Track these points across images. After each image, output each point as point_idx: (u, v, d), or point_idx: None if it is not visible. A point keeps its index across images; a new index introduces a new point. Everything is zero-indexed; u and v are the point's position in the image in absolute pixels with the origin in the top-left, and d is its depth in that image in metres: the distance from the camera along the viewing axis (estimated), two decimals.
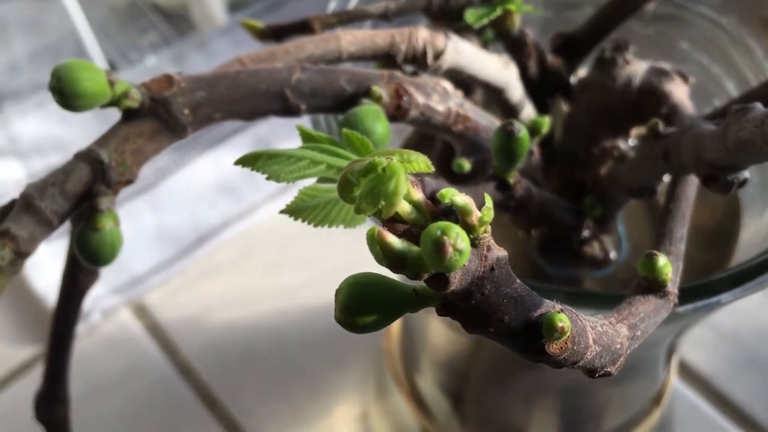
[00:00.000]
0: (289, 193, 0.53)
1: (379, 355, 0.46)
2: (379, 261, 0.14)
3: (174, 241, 0.51)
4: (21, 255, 0.21)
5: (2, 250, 0.21)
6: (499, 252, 0.15)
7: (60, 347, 0.29)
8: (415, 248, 0.14)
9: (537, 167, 0.30)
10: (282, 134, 0.56)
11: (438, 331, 0.33)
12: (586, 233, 0.30)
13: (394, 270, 0.14)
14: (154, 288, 0.50)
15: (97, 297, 0.48)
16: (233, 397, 0.46)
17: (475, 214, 0.14)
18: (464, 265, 0.14)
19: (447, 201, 0.14)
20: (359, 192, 0.14)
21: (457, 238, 0.13)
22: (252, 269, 0.51)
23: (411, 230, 0.14)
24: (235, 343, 0.48)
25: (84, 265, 0.28)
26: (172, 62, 0.59)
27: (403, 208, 0.14)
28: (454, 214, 0.14)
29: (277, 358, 0.48)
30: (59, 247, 0.50)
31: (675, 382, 0.45)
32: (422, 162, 0.14)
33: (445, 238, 0.13)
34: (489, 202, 0.14)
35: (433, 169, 0.14)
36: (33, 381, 0.47)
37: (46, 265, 0.49)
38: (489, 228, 0.14)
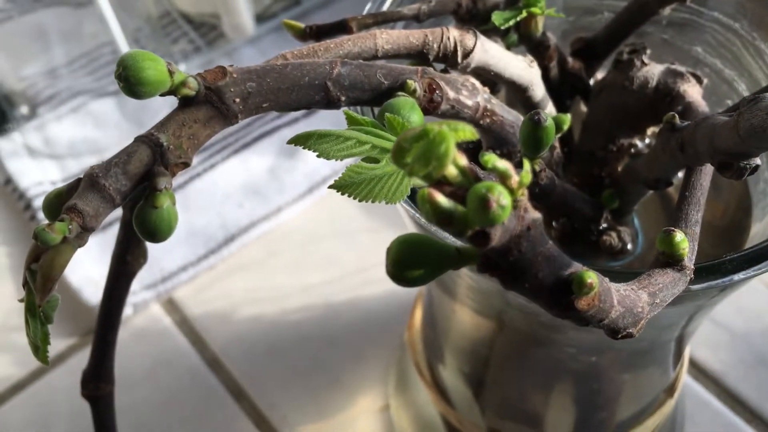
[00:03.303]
0: (315, 194, 0.55)
1: (399, 350, 0.48)
2: (429, 219, 0.16)
3: (203, 240, 0.53)
4: (86, 229, 0.23)
5: (70, 224, 0.22)
6: (534, 214, 0.16)
7: (108, 327, 0.31)
8: (460, 207, 0.16)
9: (558, 162, 0.32)
10: None
11: (462, 317, 0.35)
12: (604, 225, 0.32)
13: (441, 226, 0.16)
14: (183, 284, 0.52)
15: (130, 292, 0.50)
16: (259, 390, 0.48)
17: (514, 178, 0.16)
18: (504, 223, 0.16)
19: (489, 165, 0.16)
20: (412, 155, 0.15)
21: (500, 195, 0.15)
22: (277, 267, 0.53)
23: (456, 192, 0.16)
24: (260, 337, 0.50)
25: (133, 248, 0.30)
26: (200, 69, 0.60)
27: (451, 171, 0.16)
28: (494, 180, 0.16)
29: (301, 352, 0.50)
30: (92, 242, 0.52)
31: (687, 379, 0.47)
32: (468, 130, 0.16)
33: (489, 195, 0.15)
34: (527, 166, 0.16)
35: (477, 136, 0.16)
36: (67, 372, 0.49)
37: (80, 260, 0.50)
38: (526, 192, 0.16)
